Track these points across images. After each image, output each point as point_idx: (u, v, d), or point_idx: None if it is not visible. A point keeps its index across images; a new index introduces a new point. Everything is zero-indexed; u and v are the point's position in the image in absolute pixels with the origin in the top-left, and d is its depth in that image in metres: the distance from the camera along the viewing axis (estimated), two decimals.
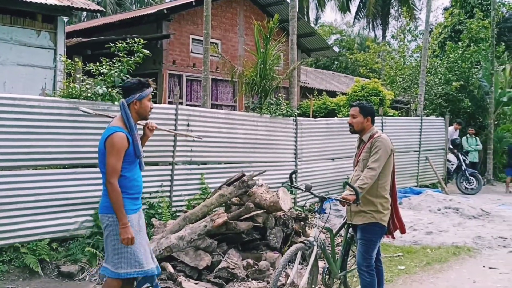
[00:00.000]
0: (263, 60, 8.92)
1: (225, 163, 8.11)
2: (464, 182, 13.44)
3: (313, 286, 4.44)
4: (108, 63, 6.65)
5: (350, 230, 4.74)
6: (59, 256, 5.95)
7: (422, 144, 12.68)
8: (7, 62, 9.89)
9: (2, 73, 9.80)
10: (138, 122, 3.93)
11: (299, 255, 4.21)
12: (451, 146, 13.94)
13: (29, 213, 5.85)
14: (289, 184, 4.74)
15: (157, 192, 7.09)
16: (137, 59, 6.79)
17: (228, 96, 15.65)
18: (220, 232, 5.96)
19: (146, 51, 6.94)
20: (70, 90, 6.39)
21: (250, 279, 5.56)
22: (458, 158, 13.76)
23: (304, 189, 4.48)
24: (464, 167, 13.50)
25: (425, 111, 14.84)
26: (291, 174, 4.67)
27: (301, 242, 4.34)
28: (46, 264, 5.78)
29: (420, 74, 13.89)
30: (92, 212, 6.34)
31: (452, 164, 14.00)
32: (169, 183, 7.28)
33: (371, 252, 4.34)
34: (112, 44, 6.89)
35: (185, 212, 6.63)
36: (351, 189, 4.18)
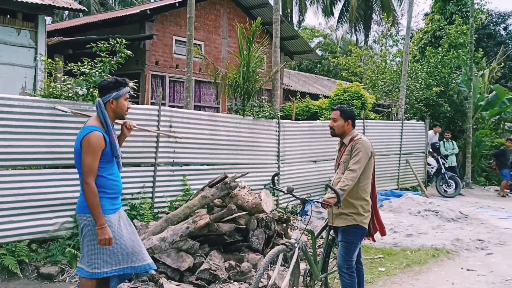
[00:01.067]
0: (246, 63, 8.93)
1: (207, 165, 8.10)
2: (443, 185, 13.64)
3: (294, 287, 4.46)
4: (90, 63, 6.59)
5: (331, 232, 4.78)
6: (38, 258, 5.88)
7: (403, 147, 12.83)
8: None
9: None
10: (116, 121, 3.90)
11: (280, 257, 4.22)
12: (431, 150, 14.15)
13: (8, 213, 5.76)
14: (272, 186, 4.75)
15: (139, 193, 7.05)
16: (119, 59, 6.74)
17: (211, 98, 15.64)
18: (202, 234, 5.95)
19: (128, 52, 6.90)
20: (50, 90, 6.32)
21: (232, 281, 5.56)
22: (438, 162, 13.96)
23: (286, 191, 4.51)
24: (443, 170, 13.70)
25: (406, 115, 15.03)
26: (273, 176, 4.70)
27: (282, 244, 4.35)
28: (26, 265, 5.70)
29: (401, 79, 14.06)
30: (72, 213, 6.26)
31: (432, 168, 14.21)
32: (151, 184, 7.24)
33: (351, 254, 4.37)
34: (94, 44, 6.83)
35: (167, 213, 6.59)
36: (333, 192, 4.21)
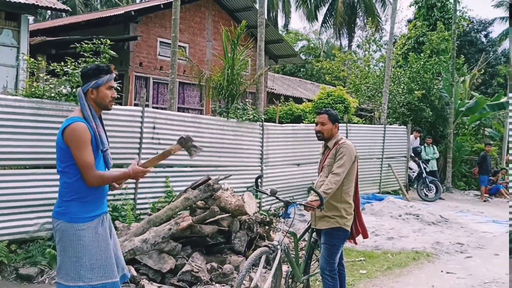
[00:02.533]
0: (231, 65, 8.95)
1: (190, 167, 8.09)
2: (424, 189, 13.81)
3: None
4: (73, 63, 6.55)
5: (314, 234, 4.80)
6: (17, 259, 5.79)
7: (385, 151, 12.98)
8: None
9: None
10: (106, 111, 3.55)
11: (263, 258, 4.24)
12: (412, 154, 14.32)
13: None
14: (255, 188, 4.77)
15: (121, 194, 7.00)
16: (103, 60, 6.71)
17: (195, 100, 15.62)
18: (184, 236, 5.93)
19: (112, 52, 6.87)
20: (33, 90, 6.27)
21: (214, 283, 5.57)
22: (419, 166, 14.13)
23: (270, 194, 4.53)
24: (424, 174, 13.88)
25: (388, 120, 15.21)
26: (257, 179, 4.72)
27: (265, 246, 4.36)
28: (4, 266, 5.62)
29: (384, 83, 14.21)
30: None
31: (413, 172, 14.38)
32: (133, 185, 7.19)
33: (334, 256, 4.41)
34: (78, 44, 6.79)
35: (150, 215, 6.56)
36: (316, 194, 4.24)
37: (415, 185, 14.40)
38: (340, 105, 11.91)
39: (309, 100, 13.51)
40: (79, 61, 6.59)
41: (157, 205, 7.34)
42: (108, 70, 3.39)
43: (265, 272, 4.93)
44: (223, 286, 5.53)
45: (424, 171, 13.94)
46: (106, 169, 3.45)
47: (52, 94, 6.16)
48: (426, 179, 13.76)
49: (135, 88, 13.55)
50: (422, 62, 16.34)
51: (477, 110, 16.73)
